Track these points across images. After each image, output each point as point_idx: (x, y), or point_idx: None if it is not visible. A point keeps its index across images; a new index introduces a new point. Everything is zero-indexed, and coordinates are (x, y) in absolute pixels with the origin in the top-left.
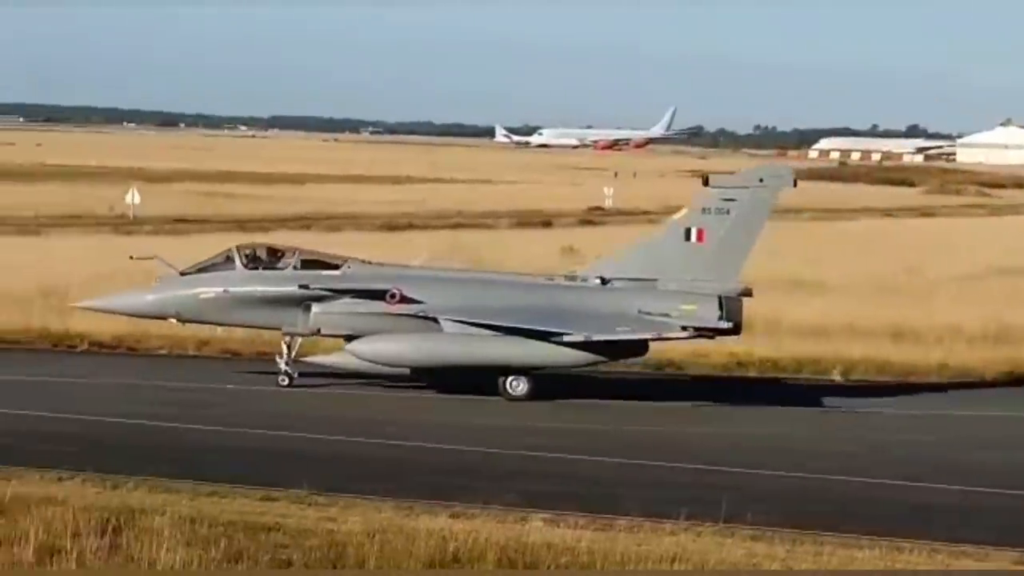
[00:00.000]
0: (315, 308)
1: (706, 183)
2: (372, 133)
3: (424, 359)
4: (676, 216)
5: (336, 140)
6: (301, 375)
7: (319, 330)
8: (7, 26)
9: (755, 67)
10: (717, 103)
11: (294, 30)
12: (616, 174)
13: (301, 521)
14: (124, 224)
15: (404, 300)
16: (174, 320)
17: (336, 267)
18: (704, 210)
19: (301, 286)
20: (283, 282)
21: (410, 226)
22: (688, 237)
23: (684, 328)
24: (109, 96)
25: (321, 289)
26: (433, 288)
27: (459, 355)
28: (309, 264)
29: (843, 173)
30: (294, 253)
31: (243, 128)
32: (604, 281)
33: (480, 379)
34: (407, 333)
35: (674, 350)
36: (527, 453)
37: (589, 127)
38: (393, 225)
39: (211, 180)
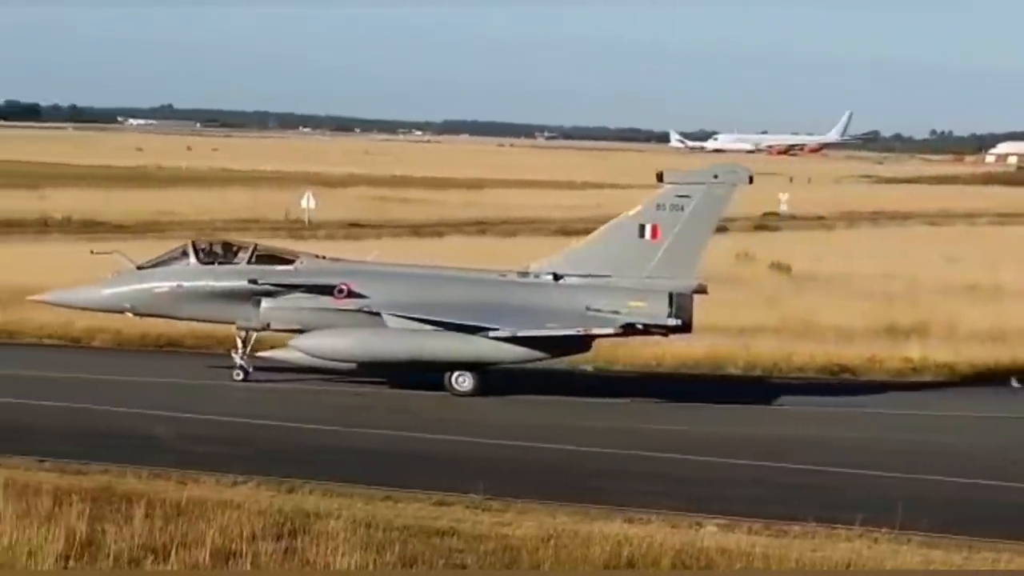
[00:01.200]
0: (264, 303)
1: (660, 179)
2: (547, 138)
3: (365, 354)
4: (631, 212)
5: (511, 145)
6: (256, 369)
7: (268, 325)
8: (188, 34)
9: (933, 71)
10: (894, 108)
11: (468, 35)
12: (791, 179)
13: (475, 526)
14: (300, 229)
15: (352, 295)
16: (129, 314)
17: (290, 262)
18: (659, 206)
19: (250, 281)
20: (234, 277)
21: (585, 231)
22: (642, 234)
23: (633, 325)
24: (285, 102)
25: (270, 284)
26: (379, 284)
27: (399, 351)
28: (263, 259)
29: (1020, 178)
30: (249, 248)
31: (417, 133)
32: (557, 277)
33: (427, 375)
34: (350, 328)
35: (844, 356)
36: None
37: (764, 132)
38: (568, 230)
39: (386, 185)
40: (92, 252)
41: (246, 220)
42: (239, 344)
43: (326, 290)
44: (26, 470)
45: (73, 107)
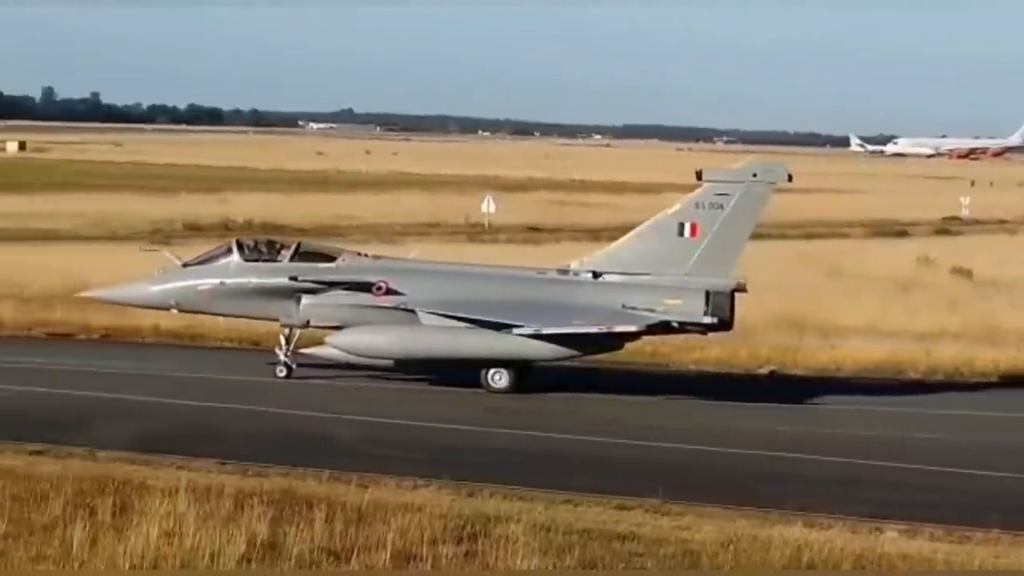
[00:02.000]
0: (304, 300)
1: (699, 178)
2: (726, 142)
3: (400, 351)
4: (670, 210)
5: (690, 149)
6: (300, 366)
7: (308, 322)
8: (368, 40)
9: None
10: None
11: (647, 39)
12: (973, 183)
13: (655, 530)
14: (479, 233)
15: (390, 292)
16: (175, 311)
17: (332, 259)
18: (698, 205)
19: (291, 278)
20: (275, 274)
21: (762, 235)
22: (681, 232)
23: (668, 323)
24: (465, 106)
25: (311, 281)
26: (417, 281)
27: (432, 348)
28: (305, 257)
29: None
30: (293, 246)
31: (597, 137)
32: (596, 275)
33: (465, 371)
34: (385, 325)
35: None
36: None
37: (944, 136)
38: None
39: (565, 189)
40: (141, 249)
41: (425, 224)
42: (282, 341)
43: (365, 287)
44: (208, 472)
45: (254, 111)
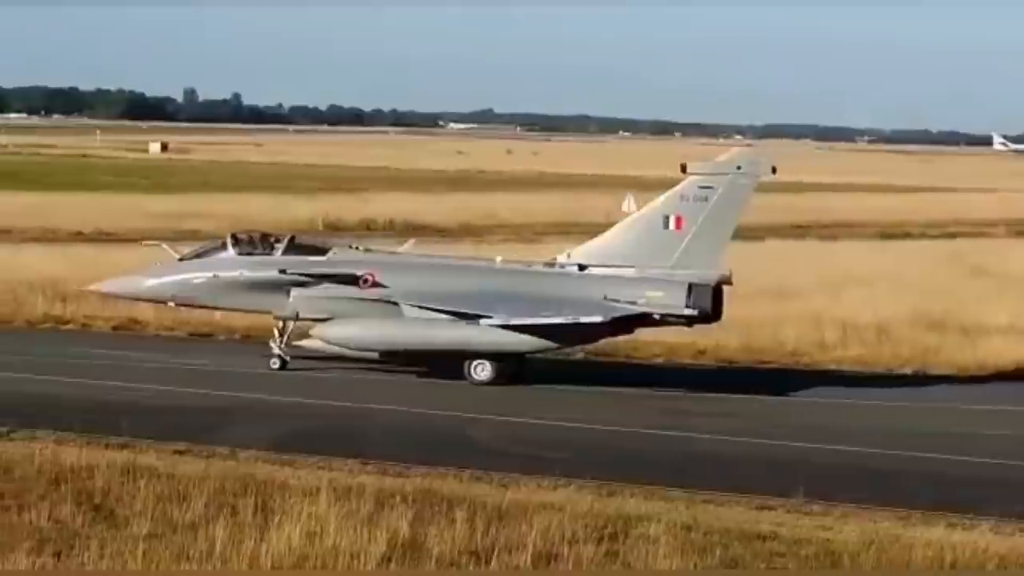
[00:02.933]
0: (294, 292)
1: (684, 170)
2: (868, 141)
3: (381, 342)
4: (655, 203)
5: (831, 148)
6: (293, 358)
7: (298, 313)
8: (506, 40)
9: None
10: None
11: (787, 38)
12: None
13: (796, 530)
14: None
15: (376, 285)
16: (171, 304)
17: (324, 252)
18: (682, 197)
19: (280, 271)
20: (267, 267)
21: (905, 235)
22: (667, 224)
23: (649, 315)
24: (605, 106)
25: (300, 274)
26: (402, 273)
27: (411, 339)
28: (298, 250)
29: None
30: (285, 239)
31: (738, 137)
32: (582, 268)
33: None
34: (368, 317)
35: None
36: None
37: None
38: (888, 234)
39: None
40: (142, 244)
41: (565, 223)
42: (276, 333)
43: (353, 280)
44: (349, 472)
45: (395, 112)
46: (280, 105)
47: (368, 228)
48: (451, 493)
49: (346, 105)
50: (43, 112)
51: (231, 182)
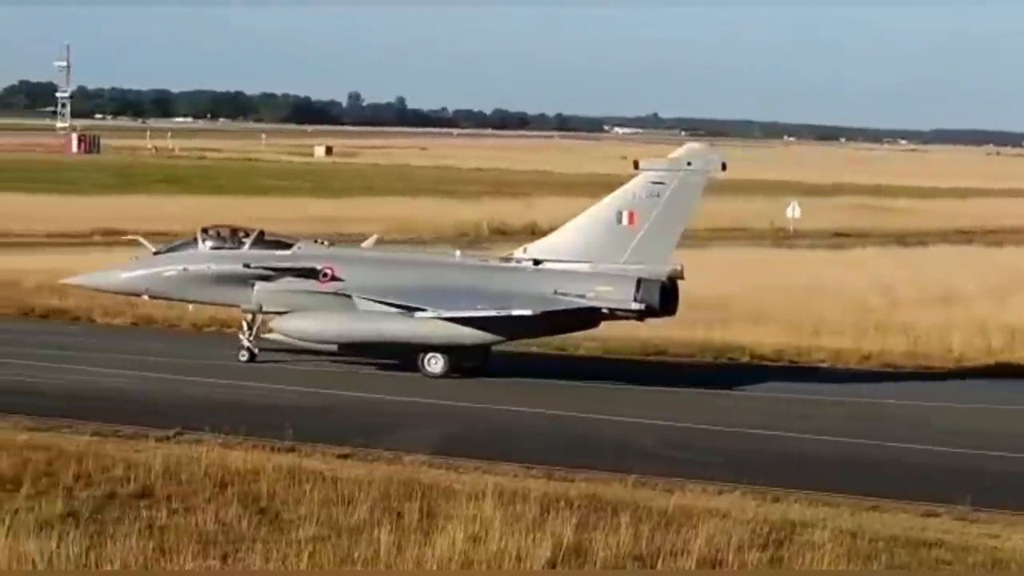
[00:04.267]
0: (257, 286)
1: (636, 167)
2: None
3: (332, 335)
4: (608, 199)
5: (998, 153)
6: (262, 350)
7: (261, 307)
8: (672, 44)
9: None
10: None
11: (951, 42)
12: None
13: (963, 537)
14: (784, 238)
15: (334, 279)
16: (145, 297)
17: (289, 247)
18: (635, 194)
19: (244, 265)
20: (232, 261)
21: None
22: (620, 220)
23: (598, 309)
24: (769, 111)
25: (263, 268)
26: (357, 268)
27: (354, 332)
28: (265, 244)
29: None
30: (253, 234)
31: (903, 142)
32: (537, 262)
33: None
34: (319, 311)
35: None
36: None
37: None
38: None
39: (871, 194)
40: (126, 238)
41: (729, 228)
42: (244, 326)
43: (313, 274)
44: (514, 477)
45: (559, 116)
46: (444, 109)
47: (532, 232)
48: (616, 498)
49: (511, 109)
50: (209, 116)
51: (395, 186)
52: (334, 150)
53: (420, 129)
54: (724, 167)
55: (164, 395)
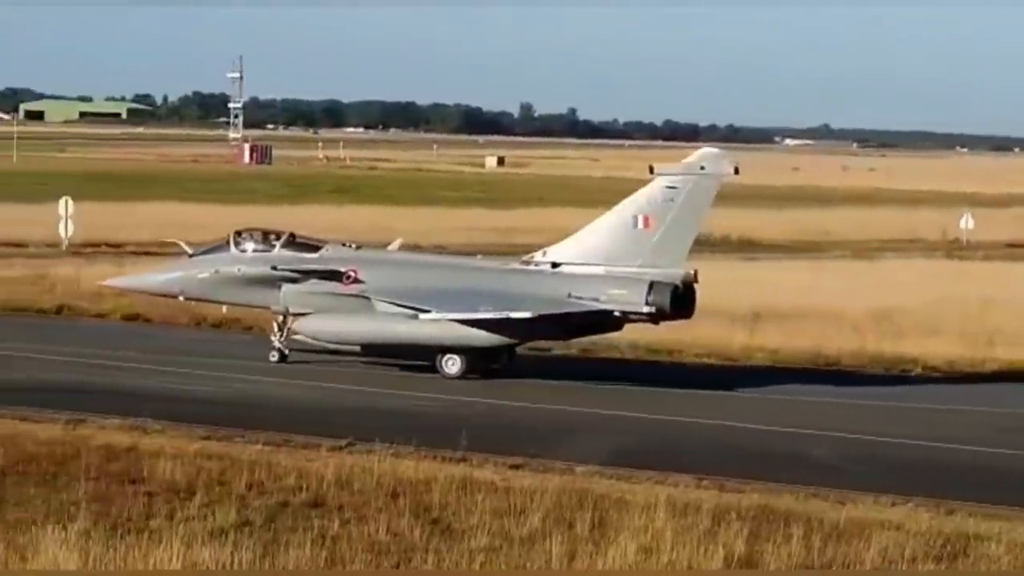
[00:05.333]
0: (284, 288)
1: (651, 171)
2: None
3: (349, 337)
4: (625, 203)
5: None
6: (292, 351)
7: (288, 308)
8: (845, 55)
9: None
10: None
11: None
12: None
13: None
14: (957, 249)
15: (356, 281)
16: (181, 298)
17: (317, 250)
18: (650, 198)
19: (272, 267)
20: (261, 263)
21: None
22: (636, 224)
23: (610, 312)
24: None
25: (290, 270)
26: (380, 270)
27: (374, 333)
28: (294, 247)
29: None
30: (283, 236)
31: None
32: (555, 265)
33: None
34: (340, 312)
35: None
36: None
37: None
38: None
39: None
40: (161, 242)
41: (901, 240)
42: (275, 327)
43: (337, 276)
44: (686, 488)
45: (730, 127)
46: (615, 120)
47: (704, 243)
48: (787, 509)
49: (681, 120)
50: (380, 127)
51: (566, 196)
52: (506, 161)
53: (591, 140)
54: (736, 171)
55: (334, 404)
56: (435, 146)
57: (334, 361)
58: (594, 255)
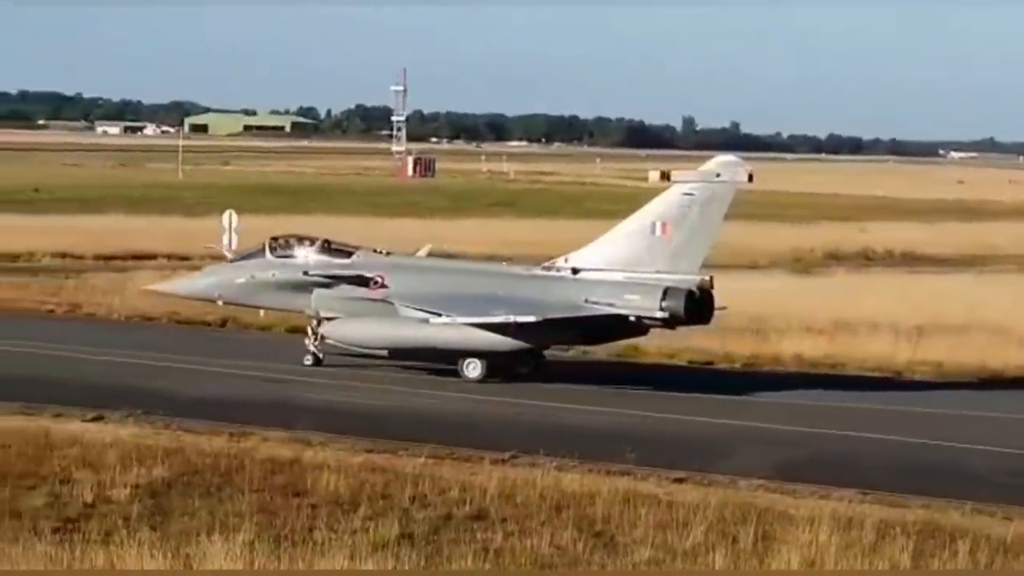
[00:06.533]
0: (315, 293)
1: (668, 179)
2: None
3: (371, 340)
4: (644, 210)
5: None
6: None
7: (319, 312)
8: (1005, 67)
9: None
10: None
11: None
12: None
13: None
14: None
15: (382, 287)
16: (220, 302)
17: (349, 256)
18: (668, 205)
19: (304, 273)
20: (293, 269)
21: None
22: (654, 230)
23: (625, 317)
24: None
25: (321, 276)
26: (404, 276)
27: (392, 337)
28: (327, 252)
29: None
30: (317, 242)
31: None
32: (575, 271)
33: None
34: (364, 317)
35: None
36: None
37: None
38: None
39: None
40: (205, 247)
41: None
42: (310, 331)
43: (364, 281)
44: (850, 502)
45: (894, 141)
46: (778, 134)
47: (867, 258)
48: (953, 525)
49: (845, 134)
50: (543, 140)
51: (728, 210)
52: (668, 175)
53: (753, 154)
54: (751, 178)
55: (494, 417)
56: (598, 160)
57: (495, 375)
58: (614, 261)
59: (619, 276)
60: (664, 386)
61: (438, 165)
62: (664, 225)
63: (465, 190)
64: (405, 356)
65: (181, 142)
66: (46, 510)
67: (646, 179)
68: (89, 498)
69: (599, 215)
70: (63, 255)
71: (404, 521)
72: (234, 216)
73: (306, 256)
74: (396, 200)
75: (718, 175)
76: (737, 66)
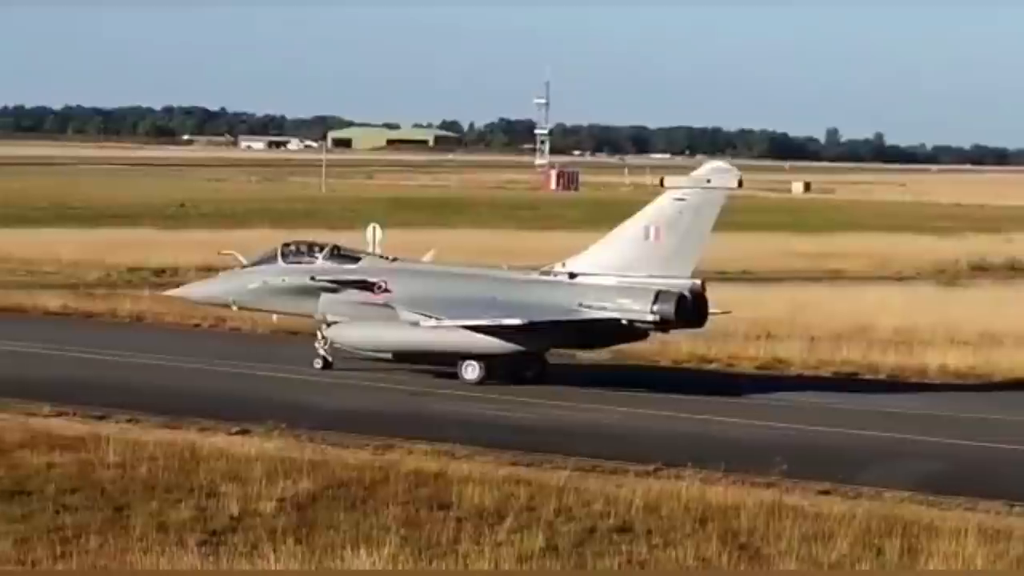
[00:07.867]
0: (322, 297)
1: (662, 185)
2: None
3: (372, 343)
4: (638, 215)
5: None
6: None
7: (326, 316)
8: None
9: None
10: None
11: None
12: None
13: None
14: None
15: (386, 291)
16: (234, 308)
17: (356, 261)
18: (660, 210)
19: (311, 278)
20: (302, 274)
21: None
22: (647, 235)
23: (618, 320)
24: None
25: (327, 281)
26: (404, 280)
27: (397, 340)
28: (336, 258)
29: None
30: (326, 248)
31: None
32: (572, 276)
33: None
34: (365, 320)
35: None
36: None
37: None
38: None
39: None
40: (219, 253)
41: None
42: (319, 336)
43: (368, 286)
44: (997, 514)
45: None
46: (923, 145)
47: (1012, 268)
48: None
49: (990, 144)
50: (687, 152)
51: (873, 222)
52: (812, 186)
53: (897, 165)
54: (740, 184)
55: (640, 429)
56: (740, 172)
57: (635, 388)
58: (609, 265)
59: (613, 281)
60: (808, 397)
61: (581, 178)
62: (657, 230)
63: (608, 203)
64: (408, 360)
65: (325, 156)
66: (192, 523)
67: (790, 190)
68: (235, 511)
69: (744, 226)
70: (208, 269)
71: (549, 534)
72: (378, 230)
73: (316, 262)
74: (540, 213)
75: (708, 181)
76: (882, 77)
